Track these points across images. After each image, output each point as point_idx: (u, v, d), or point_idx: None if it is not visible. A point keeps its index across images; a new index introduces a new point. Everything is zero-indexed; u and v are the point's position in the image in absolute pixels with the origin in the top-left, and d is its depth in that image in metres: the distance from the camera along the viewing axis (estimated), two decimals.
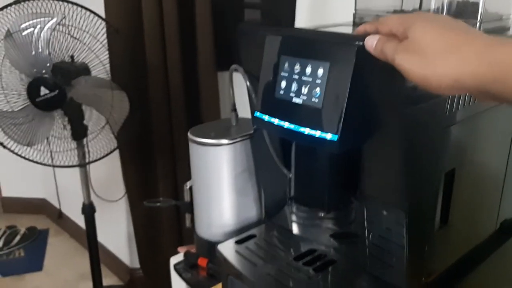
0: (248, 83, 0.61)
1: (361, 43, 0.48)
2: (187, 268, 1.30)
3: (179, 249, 1.36)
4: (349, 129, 0.50)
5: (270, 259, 0.65)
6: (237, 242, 0.69)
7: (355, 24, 0.70)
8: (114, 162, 1.79)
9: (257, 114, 0.59)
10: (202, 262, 1.27)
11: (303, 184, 0.62)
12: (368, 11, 0.71)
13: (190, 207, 1.25)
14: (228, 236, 0.72)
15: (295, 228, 0.71)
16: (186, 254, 1.33)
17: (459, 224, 0.64)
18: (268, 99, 0.57)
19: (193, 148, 0.71)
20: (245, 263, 0.65)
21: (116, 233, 2.10)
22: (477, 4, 0.59)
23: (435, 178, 0.57)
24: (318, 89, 0.52)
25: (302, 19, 1.27)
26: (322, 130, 0.51)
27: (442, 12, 0.63)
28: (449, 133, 0.56)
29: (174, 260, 1.35)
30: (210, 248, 0.76)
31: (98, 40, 1.45)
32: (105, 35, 1.44)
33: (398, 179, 0.55)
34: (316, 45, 0.52)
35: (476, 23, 0.59)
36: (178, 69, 1.61)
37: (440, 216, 0.60)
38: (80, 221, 2.15)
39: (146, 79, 1.61)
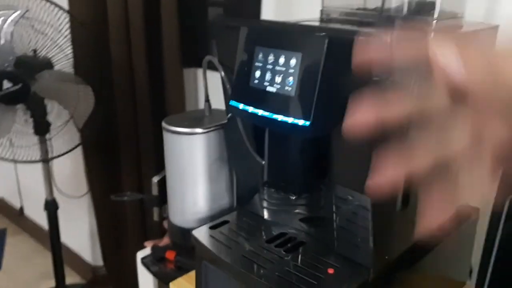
0: (222, 73, 0.64)
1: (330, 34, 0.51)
2: (155, 262, 1.32)
3: (146, 243, 1.37)
4: (320, 116, 0.54)
5: (243, 242, 0.69)
6: (211, 228, 0.72)
7: (322, 20, 0.74)
8: (77, 157, 1.77)
9: (232, 102, 0.62)
10: (170, 255, 1.29)
11: (276, 170, 0.66)
12: (335, 8, 0.75)
13: (158, 201, 1.27)
14: (202, 222, 0.75)
15: (266, 214, 0.74)
16: (153, 248, 1.34)
17: (417, 207, 0.68)
18: (243, 88, 0.60)
19: (167, 137, 0.73)
20: (219, 246, 0.68)
21: (78, 230, 2.07)
22: (433, 3, 0.64)
23: None
24: (291, 78, 0.55)
25: (268, 17, 1.31)
26: (295, 117, 0.55)
27: (402, 10, 0.68)
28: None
29: (141, 254, 1.36)
30: (184, 235, 0.79)
31: (62, 34, 1.44)
32: (69, 29, 1.43)
33: (362, 165, 0.59)
34: (289, 36, 0.56)
35: (433, 21, 0.64)
36: (143, 64, 1.62)
37: (401, 200, 0.65)
38: (41, 219, 2.11)
39: (111, 74, 1.60)
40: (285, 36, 0.56)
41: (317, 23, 0.73)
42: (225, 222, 0.73)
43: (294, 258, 0.65)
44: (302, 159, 0.63)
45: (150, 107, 1.67)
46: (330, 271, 0.62)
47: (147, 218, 1.81)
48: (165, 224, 1.34)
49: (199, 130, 0.71)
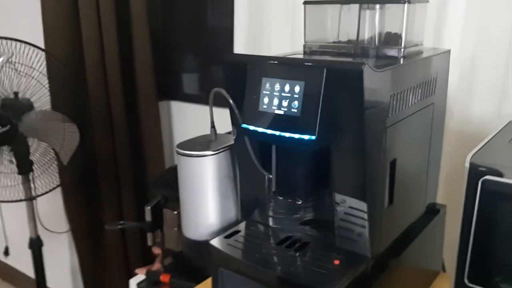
0: (231, 101, 0.75)
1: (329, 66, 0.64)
2: (150, 286, 1.39)
3: (137, 271, 1.44)
4: (323, 131, 0.66)
5: (257, 247, 0.79)
6: (226, 237, 0.81)
7: (306, 53, 0.87)
8: (55, 194, 1.80)
9: (244, 125, 0.73)
10: (165, 278, 1.37)
11: (284, 180, 0.77)
12: (313, 42, 0.89)
13: (151, 227, 1.34)
14: (214, 235, 0.84)
15: (272, 222, 0.85)
16: (148, 273, 1.41)
17: (400, 203, 0.81)
18: (253, 112, 0.72)
19: (181, 160, 0.83)
20: (236, 251, 0.78)
21: (60, 269, 2.07)
22: (399, 35, 0.79)
23: (384, 167, 0.74)
24: (296, 102, 0.68)
25: (239, 51, 1.41)
26: (302, 133, 0.67)
27: (374, 41, 0.82)
28: (390, 131, 0.74)
29: (134, 281, 1.42)
30: (198, 247, 0.87)
31: (41, 74, 1.50)
32: (46, 69, 1.49)
33: (358, 170, 0.71)
34: (293, 68, 0.68)
35: (401, 49, 0.78)
36: (120, 100, 1.69)
37: (388, 197, 0.78)
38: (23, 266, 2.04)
39: (89, 110, 1.67)
40: (290, 68, 0.68)
41: (301, 56, 0.86)
42: (237, 231, 0.83)
43: (303, 255, 0.76)
44: (306, 170, 0.75)
45: (128, 142, 1.74)
46: (336, 262, 0.73)
47: (129, 252, 1.85)
48: (155, 250, 1.41)
49: (209, 152, 0.81)
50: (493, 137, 0.71)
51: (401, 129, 0.76)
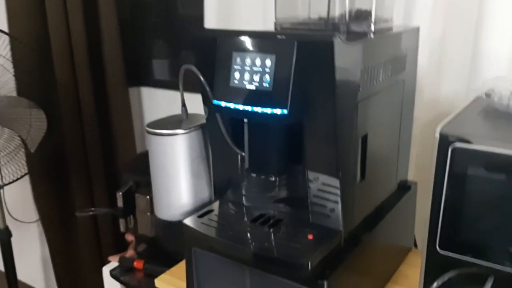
0: (202, 78, 0.74)
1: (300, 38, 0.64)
2: (124, 272, 1.37)
3: (110, 258, 1.42)
4: (295, 105, 0.66)
5: (230, 225, 0.78)
6: (199, 216, 0.81)
7: (276, 30, 0.87)
8: (23, 183, 1.75)
9: (215, 101, 0.72)
10: (138, 264, 1.35)
11: (257, 157, 0.76)
12: (284, 19, 0.88)
13: (123, 213, 1.32)
14: (187, 215, 0.83)
15: (245, 201, 0.85)
16: (121, 259, 1.39)
17: (372, 179, 0.82)
18: (224, 88, 0.71)
19: (151, 140, 0.82)
20: (210, 229, 0.77)
21: (30, 260, 2.03)
22: (369, 11, 0.79)
23: (355, 142, 0.74)
24: (267, 76, 0.67)
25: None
26: (274, 108, 0.67)
27: (344, 18, 0.82)
28: (361, 106, 0.74)
29: (107, 268, 1.40)
30: (171, 228, 0.86)
31: (5, 58, 1.45)
32: (10, 52, 1.44)
33: (330, 145, 0.71)
34: (264, 42, 0.67)
35: (371, 25, 0.78)
36: (88, 86, 1.65)
37: (360, 173, 0.78)
38: None
39: (57, 96, 1.62)
40: (260, 41, 0.67)
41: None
42: (210, 211, 0.83)
43: (277, 232, 0.76)
44: (279, 146, 0.75)
45: (97, 128, 1.70)
46: (310, 237, 0.73)
47: (102, 239, 1.82)
48: (128, 236, 1.40)
49: (180, 131, 0.80)
50: (462, 110, 0.72)
51: (372, 104, 0.77)
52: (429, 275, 0.63)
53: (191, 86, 0.83)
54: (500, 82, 0.73)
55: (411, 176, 1.05)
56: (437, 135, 0.60)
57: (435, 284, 0.60)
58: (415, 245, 1.08)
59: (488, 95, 0.73)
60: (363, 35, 0.77)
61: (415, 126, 1.03)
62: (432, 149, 0.61)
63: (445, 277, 0.60)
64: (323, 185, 0.74)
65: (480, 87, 0.77)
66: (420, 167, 1.11)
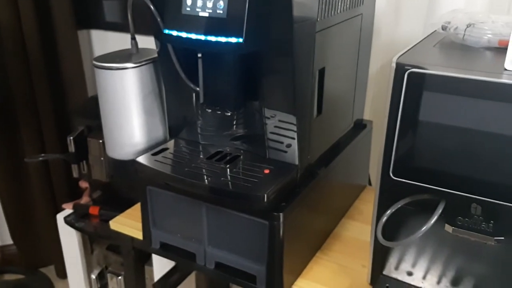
0: (152, 7, 0.69)
1: None
2: (79, 219, 1.34)
3: (64, 205, 1.38)
4: (251, 33, 0.63)
5: (186, 162, 0.76)
6: (153, 154, 0.78)
7: None
8: None
9: (166, 31, 0.68)
10: (94, 210, 1.32)
11: (212, 91, 0.74)
12: None
13: (76, 158, 1.27)
14: (140, 154, 0.80)
15: (201, 139, 0.82)
16: (75, 206, 1.36)
17: (328, 115, 0.82)
18: (175, 16, 0.67)
19: (100, 74, 0.77)
20: (165, 167, 0.75)
21: None
22: None
23: (312, 75, 0.73)
24: (221, 2, 0.63)
25: None
26: (229, 36, 0.63)
27: None
28: (319, 37, 0.72)
29: (61, 215, 1.36)
30: (124, 167, 0.84)
31: None
32: None
33: (287, 78, 0.70)
34: None
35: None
36: (33, 27, 1.56)
37: (316, 107, 0.77)
38: None
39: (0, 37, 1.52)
40: None
41: None
42: (165, 149, 0.80)
43: (233, 167, 0.75)
44: (234, 79, 0.72)
45: (45, 72, 1.62)
46: (266, 171, 0.73)
47: (55, 189, 1.77)
48: (83, 183, 1.36)
49: (130, 65, 0.76)
50: (418, 43, 0.71)
51: (330, 36, 0.75)
52: (383, 205, 0.64)
53: (145, 28, 0.77)
54: (457, 15, 0.73)
55: (366, 117, 1.05)
56: (393, 65, 0.59)
57: (388, 211, 0.61)
58: (370, 183, 1.11)
59: (444, 27, 0.73)
60: None
61: (372, 68, 1.02)
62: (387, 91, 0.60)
63: (398, 204, 0.61)
64: (280, 122, 0.73)
65: (437, 21, 0.76)
66: (375, 109, 1.12)
